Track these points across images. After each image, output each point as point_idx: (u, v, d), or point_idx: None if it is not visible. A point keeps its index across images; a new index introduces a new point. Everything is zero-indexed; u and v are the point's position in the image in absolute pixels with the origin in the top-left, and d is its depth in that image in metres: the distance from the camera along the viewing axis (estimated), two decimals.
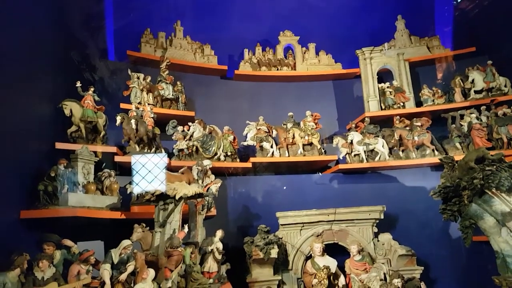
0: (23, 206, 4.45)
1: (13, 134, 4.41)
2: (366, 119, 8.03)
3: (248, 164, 7.44)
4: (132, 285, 4.34)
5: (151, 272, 4.46)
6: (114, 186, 5.66)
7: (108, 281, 4.15)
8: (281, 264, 6.61)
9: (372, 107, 8.34)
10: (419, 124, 7.67)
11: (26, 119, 4.82)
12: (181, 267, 5.11)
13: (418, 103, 8.39)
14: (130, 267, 4.35)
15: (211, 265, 5.75)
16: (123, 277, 4.26)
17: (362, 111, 8.32)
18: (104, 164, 5.92)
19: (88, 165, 5.29)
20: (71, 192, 4.81)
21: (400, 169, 7.83)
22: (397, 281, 5.48)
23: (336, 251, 6.65)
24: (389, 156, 7.67)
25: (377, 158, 7.65)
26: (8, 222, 4.27)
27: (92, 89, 6.07)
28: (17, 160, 4.48)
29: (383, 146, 7.67)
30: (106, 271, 4.20)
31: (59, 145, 5.41)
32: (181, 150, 7.12)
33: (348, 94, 8.95)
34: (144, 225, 5.36)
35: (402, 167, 7.75)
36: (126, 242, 4.52)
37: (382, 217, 6.81)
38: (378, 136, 7.80)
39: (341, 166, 7.56)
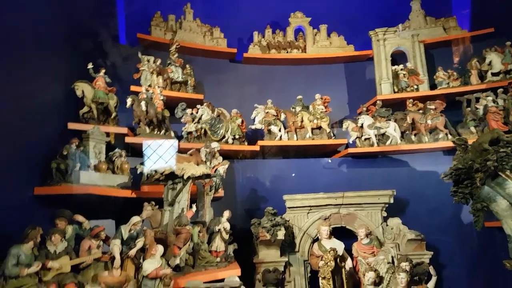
0: (36, 183, 4.72)
1: (27, 113, 4.70)
2: (378, 102, 8.10)
3: (256, 148, 7.62)
4: (141, 260, 4.57)
5: (160, 248, 4.71)
6: (125, 166, 5.92)
7: (118, 256, 4.42)
8: (287, 246, 6.84)
9: (385, 90, 8.38)
10: (432, 107, 7.70)
11: (40, 99, 5.12)
12: (189, 244, 5.40)
13: (433, 86, 8.40)
14: (139, 243, 4.61)
15: (218, 244, 5.98)
16: (132, 252, 4.52)
17: (373, 95, 8.39)
18: (115, 146, 6.13)
19: (99, 145, 5.55)
20: (82, 170, 5.04)
21: (411, 153, 7.92)
22: (405, 265, 5.62)
23: (344, 234, 6.85)
24: (401, 140, 7.74)
25: (388, 142, 7.72)
26: (22, 198, 4.57)
27: (103, 70, 6.31)
28: (31, 139, 4.77)
29: (394, 130, 7.73)
30: (116, 246, 4.46)
31: (72, 125, 5.70)
32: (190, 132, 7.35)
33: (359, 77, 9.02)
34: (154, 203, 5.61)
35: (414, 151, 7.84)
36: (135, 219, 4.78)
37: (392, 201, 6.95)
38: (389, 120, 7.87)
39: (350, 150, 7.68)
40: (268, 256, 6.59)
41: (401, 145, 7.67)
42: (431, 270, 5.79)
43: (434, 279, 5.66)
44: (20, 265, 3.79)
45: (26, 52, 4.78)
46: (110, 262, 4.45)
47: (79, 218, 4.62)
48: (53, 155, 5.00)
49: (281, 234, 6.48)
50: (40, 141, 5.03)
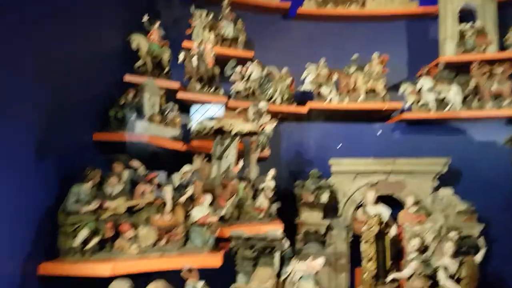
0: (96, 129, 4.99)
1: (88, 63, 4.91)
2: (440, 64, 7.60)
3: (305, 109, 7.53)
4: (190, 208, 4.77)
5: (208, 198, 4.91)
6: (177, 120, 6.12)
7: (169, 202, 4.65)
8: (330, 210, 6.88)
9: (449, 51, 7.76)
10: (500, 71, 7.09)
11: (99, 50, 5.34)
12: (234, 198, 5.52)
13: (502, 49, 7.66)
14: (189, 191, 4.83)
15: (262, 201, 6.09)
16: (182, 199, 4.74)
17: (435, 56, 7.82)
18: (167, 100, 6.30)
19: (153, 97, 5.72)
20: (138, 120, 5.25)
21: (471, 121, 7.47)
22: (453, 235, 5.46)
23: (390, 203, 6.66)
24: (461, 107, 7.24)
25: (447, 108, 7.31)
26: (82, 142, 4.86)
27: (158, 23, 6.35)
28: (92, 87, 5.01)
29: (455, 95, 7.25)
30: (168, 192, 4.70)
31: (128, 78, 5.90)
32: (239, 91, 7.38)
33: (421, 36, 8.47)
34: (203, 155, 5.76)
35: (474, 119, 7.34)
36: (186, 168, 5.00)
37: (445, 170, 6.66)
38: (451, 84, 7.37)
39: (405, 115, 7.39)
40: (310, 218, 6.66)
41: (461, 111, 7.23)
42: (480, 242, 5.59)
43: (482, 252, 5.47)
44: (80, 202, 4.11)
45: (86, 3, 4.93)
46: (161, 207, 4.70)
47: (135, 163, 4.87)
48: (111, 104, 5.24)
49: (324, 197, 6.50)
50: (100, 90, 5.28)
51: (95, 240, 4.14)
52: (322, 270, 6.04)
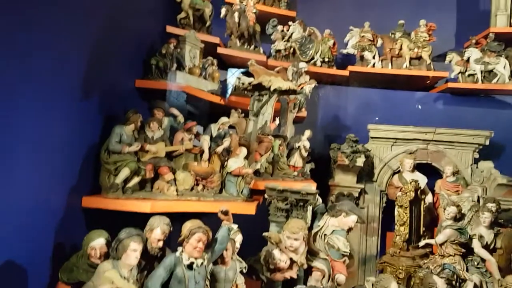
0: (138, 76, 5.06)
1: (133, 12, 4.94)
2: (490, 35, 7.21)
3: (346, 73, 7.34)
4: (226, 158, 4.83)
5: (244, 150, 4.94)
6: (216, 74, 6.11)
7: (207, 150, 4.73)
8: (365, 175, 6.75)
9: (500, 23, 7.37)
10: None
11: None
12: (269, 154, 5.53)
13: None
14: (226, 142, 4.86)
15: (296, 160, 6.07)
16: (219, 149, 4.78)
17: (485, 27, 7.40)
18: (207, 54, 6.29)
19: (194, 50, 5.73)
20: (179, 71, 5.28)
21: None
22: (491, 205, 5.26)
23: (427, 172, 6.48)
24: (509, 80, 6.89)
25: (494, 80, 6.98)
26: (125, 88, 4.96)
27: None
28: (135, 35, 5.08)
29: (504, 67, 6.93)
30: (206, 142, 4.76)
31: (170, 29, 5.92)
32: (279, 51, 7.26)
33: (472, 6, 7.96)
34: (240, 111, 5.76)
35: None
36: (224, 119, 5.03)
37: (487, 143, 6.40)
38: (500, 56, 7.03)
39: (450, 85, 7.09)
40: (344, 181, 6.60)
41: (508, 84, 6.87)
42: None
43: None
44: (122, 143, 4.22)
45: None
46: (199, 155, 4.78)
47: (175, 111, 4.94)
48: (153, 52, 5.27)
49: (360, 161, 6.38)
50: (143, 38, 5.33)
51: (136, 180, 4.27)
52: (354, 233, 6.10)
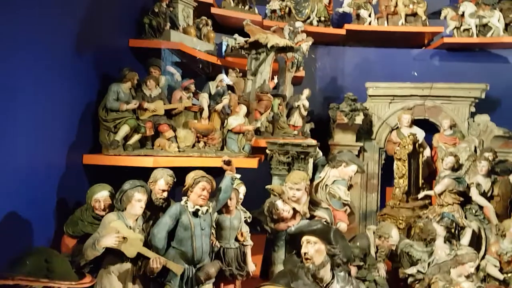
0: (131, 36, 4.91)
1: None
2: None
3: (342, 31, 7.18)
4: (226, 116, 4.75)
5: (243, 108, 4.86)
6: (211, 35, 5.96)
7: (206, 108, 4.65)
8: (364, 133, 6.74)
9: None
10: None
11: None
12: (269, 113, 5.45)
13: None
14: (225, 100, 4.77)
15: (296, 119, 6.02)
16: (219, 107, 4.70)
17: None
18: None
19: (187, 9, 5.56)
20: (172, 30, 5.12)
21: None
22: (488, 154, 5.28)
23: (425, 129, 6.47)
24: (504, 33, 6.80)
25: (489, 34, 6.87)
26: (119, 48, 4.80)
27: None
28: None
29: (498, 20, 6.84)
30: (204, 99, 4.67)
31: None
32: (274, 11, 7.10)
33: None
34: (238, 70, 5.65)
35: None
36: (222, 76, 4.96)
37: (483, 96, 6.39)
38: (495, 9, 6.92)
39: (446, 40, 6.97)
40: (343, 139, 6.59)
41: (503, 37, 6.79)
42: None
43: None
44: (120, 101, 4.12)
45: None
46: (199, 113, 4.70)
47: (171, 69, 4.83)
48: (146, 11, 5.09)
49: (359, 119, 6.35)
50: None
51: (136, 137, 4.20)
52: (354, 190, 6.13)
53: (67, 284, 1.83)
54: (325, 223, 2.78)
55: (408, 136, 5.71)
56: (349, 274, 2.63)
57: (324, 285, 2.46)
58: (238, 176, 3.61)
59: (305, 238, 2.54)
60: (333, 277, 2.52)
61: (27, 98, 3.10)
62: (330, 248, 2.48)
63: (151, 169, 3.68)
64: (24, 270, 1.73)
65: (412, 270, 4.22)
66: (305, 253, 2.48)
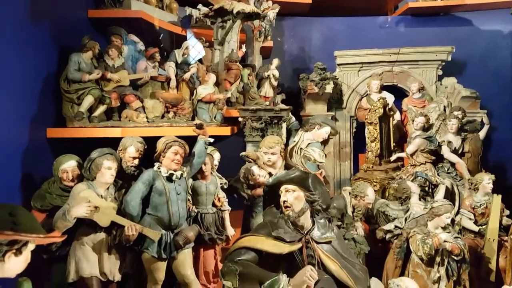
0: (90, 6, 4.72)
1: None
2: None
3: (308, 0, 7.13)
4: (195, 85, 4.68)
5: (212, 76, 4.82)
6: (173, 6, 5.85)
7: (173, 77, 4.57)
8: (335, 103, 6.80)
9: None
10: None
11: None
12: (239, 83, 5.42)
13: None
14: (193, 68, 4.72)
15: (267, 90, 6.04)
16: (187, 76, 4.64)
17: None
18: None
19: None
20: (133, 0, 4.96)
21: (477, 10, 7.19)
22: (457, 113, 5.48)
23: (394, 94, 6.62)
24: None
25: None
26: (77, 19, 4.61)
27: None
28: None
29: None
30: (171, 68, 4.59)
31: None
32: None
33: None
34: (204, 40, 5.56)
35: (480, 7, 7.08)
36: (188, 43, 4.81)
37: (450, 59, 6.56)
38: None
39: (411, 4, 7.08)
40: (315, 110, 6.61)
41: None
42: (485, 119, 5.67)
43: (486, 128, 5.61)
44: (81, 71, 3.97)
45: None
46: (166, 84, 4.60)
47: (134, 37, 4.70)
48: None
49: (329, 87, 6.40)
50: None
51: (102, 109, 4.09)
52: (327, 160, 6.22)
53: (34, 237, 1.74)
54: (302, 170, 2.77)
55: (378, 100, 5.83)
56: (329, 221, 2.67)
57: (305, 232, 2.48)
58: (211, 140, 3.57)
59: (283, 187, 2.55)
60: (313, 224, 2.55)
61: None
62: (309, 195, 2.50)
63: (119, 141, 3.58)
64: None
65: (389, 226, 4.34)
66: (284, 201, 2.50)
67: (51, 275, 3.25)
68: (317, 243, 2.44)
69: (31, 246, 1.82)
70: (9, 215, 1.72)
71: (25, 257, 1.80)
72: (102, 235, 3.09)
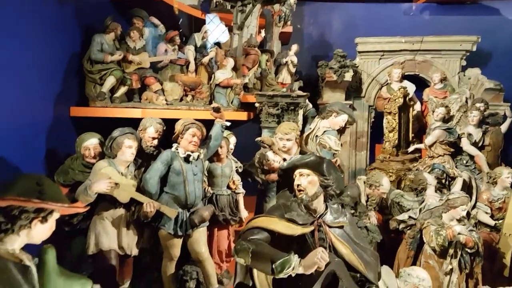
0: None
1: None
2: None
3: None
4: (213, 70, 4.76)
5: (231, 61, 4.87)
6: None
7: (192, 60, 4.65)
8: (353, 91, 6.78)
9: None
10: None
11: None
12: (257, 68, 5.47)
13: None
14: (211, 52, 4.77)
15: (285, 76, 6.07)
16: (205, 60, 4.71)
17: None
18: None
19: None
20: None
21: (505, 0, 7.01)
22: (480, 105, 5.40)
23: (415, 84, 6.54)
24: None
25: None
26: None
27: None
28: None
29: None
30: (190, 52, 4.67)
31: None
32: None
33: None
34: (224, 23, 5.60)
35: None
36: (207, 27, 4.87)
37: (474, 49, 6.44)
38: None
39: None
40: (333, 98, 6.60)
41: None
42: (508, 112, 5.59)
43: (508, 121, 5.55)
44: (104, 52, 4.09)
45: None
46: (185, 67, 4.69)
47: (155, 20, 4.77)
48: None
49: (348, 75, 6.38)
50: None
51: (123, 90, 4.22)
52: (343, 149, 6.23)
53: (59, 206, 1.85)
54: (317, 155, 2.82)
55: (399, 89, 5.80)
56: (342, 206, 2.73)
57: (318, 216, 2.55)
58: (228, 123, 3.65)
59: (298, 172, 2.61)
60: (326, 209, 2.60)
61: (10, 53, 3.08)
62: (323, 180, 2.55)
63: (139, 121, 3.71)
64: (15, 191, 1.74)
65: (403, 216, 4.37)
66: (298, 185, 2.56)
67: (72, 248, 3.43)
68: (329, 227, 2.50)
69: (56, 215, 1.93)
70: (37, 185, 1.83)
71: (50, 225, 1.92)
72: (121, 211, 3.24)
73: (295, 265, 2.09)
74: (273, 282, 2.39)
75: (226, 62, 4.87)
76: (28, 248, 1.92)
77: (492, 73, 6.44)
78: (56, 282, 1.93)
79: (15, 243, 1.78)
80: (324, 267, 2.15)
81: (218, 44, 5.56)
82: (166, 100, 4.36)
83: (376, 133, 6.68)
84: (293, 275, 2.10)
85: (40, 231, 1.87)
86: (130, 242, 3.30)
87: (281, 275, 2.08)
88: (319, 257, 2.11)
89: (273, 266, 2.08)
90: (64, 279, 1.96)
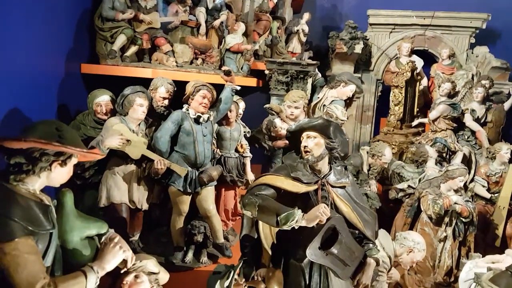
0: None
1: None
2: None
3: None
4: (224, 34, 4.73)
5: (242, 25, 4.85)
6: None
7: (203, 23, 4.65)
8: (362, 64, 6.73)
9: None
10: None
11: None
12: (268, 35, 5.43)
13: None
14: (223, 16, 4.72)
15: (295, 46, 6.05)
16: (216, 23, 4.69)
17: None
18: None
19: None
20: None
21: None
22: (485, 82, 5.40)
23: (424, 60, 6.50)
24: None
25: None
26: None
27: None
28: None
29: None
30: (201, 14, 4.64)
31: None
32: None
33: None
34: None
35: None
36: None
37: (484, 27, 6.36)
38: None
39: None
40: (342, 70, 6.51)
41: None
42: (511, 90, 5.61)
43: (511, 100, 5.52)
44: (115, 10, 4.08)
45: None
46: (196, 29, 4.67)
47: None
48: None
49: (358, 48, 6.33)
50: None
51: (133, 49, 4.23)
52: (348, 122, 6.26)
53: (78, 151, 1.90)
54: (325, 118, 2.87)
55: (407, 63, 5.77)
56: (346, 168, 2.81)
57: (322, 176, 2.63)
58: (238, 87, 3.69)
59: (305, 134, 2.67)
60: (330, 170, 2.69)
61: (26, 9, 3.08)
62: (329, 142, 2.62)
63: (149, 81, 3.75)
64: (36, 134, 1.79)
65: (403, 185, 4.48)
66: (305, 146, 2.63)
67: (83, 201, 3.54)
68: (332, 186, 2.60)
69: (74, 160, 1.99)
70: (56, 130, 1.89)
71: (68, 169, 1.98)
72: (132, 167, 3.33)
73: (298, 218, 2.19)
74: (277, 234, 2.51)
75: (237, 26, 4.84)
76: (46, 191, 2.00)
77: (500, 52, 6.39)
78: (74, 223, 2.02)
79: (36, 184, 1.85)
80: (325, 221, 2.25)
81: (229, 7, 5.51)
82: (176, 62, 4.36)
83: (382, 107, 6.70)
84: (296, 227, 2.19)
85: (59, 174, 1.93)
86: (141, 197, 3.41)
87: (285, 227, 2.18)
88: (321, 212, 2.21)
89: (278, 219, 2.18)
90: (82, 220, 2.06)
